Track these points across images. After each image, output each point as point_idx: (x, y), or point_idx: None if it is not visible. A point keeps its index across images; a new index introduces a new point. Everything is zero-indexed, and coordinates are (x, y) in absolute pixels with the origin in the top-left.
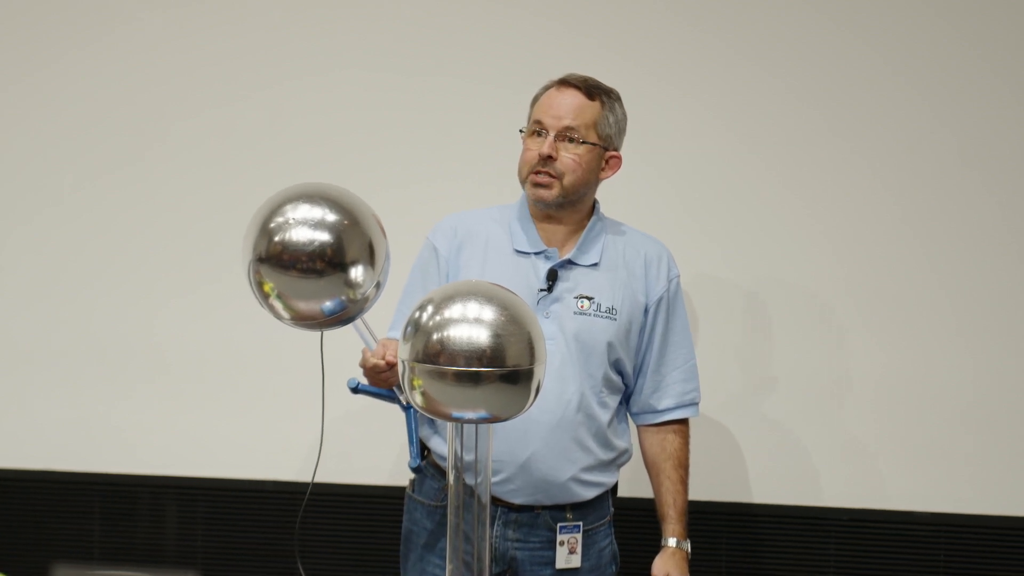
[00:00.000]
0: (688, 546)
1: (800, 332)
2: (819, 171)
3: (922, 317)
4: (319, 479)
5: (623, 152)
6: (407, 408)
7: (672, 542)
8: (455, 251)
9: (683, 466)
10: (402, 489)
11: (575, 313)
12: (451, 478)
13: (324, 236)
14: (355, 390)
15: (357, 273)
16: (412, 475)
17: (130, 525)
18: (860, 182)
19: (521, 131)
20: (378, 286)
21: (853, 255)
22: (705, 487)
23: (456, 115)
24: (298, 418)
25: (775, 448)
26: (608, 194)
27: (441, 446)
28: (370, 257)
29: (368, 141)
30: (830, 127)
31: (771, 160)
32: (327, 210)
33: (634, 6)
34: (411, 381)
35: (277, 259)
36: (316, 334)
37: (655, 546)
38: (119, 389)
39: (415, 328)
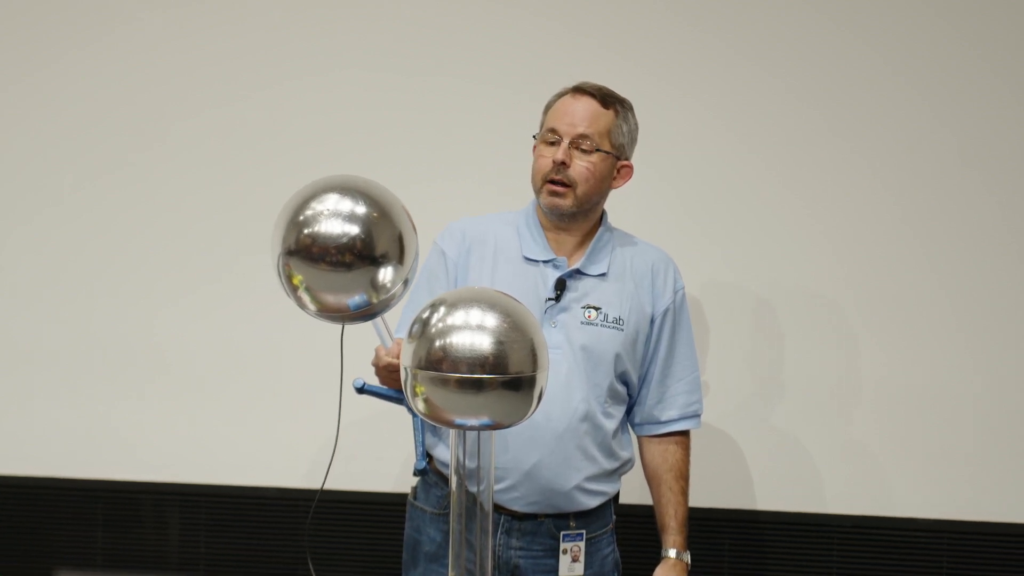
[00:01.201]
0: (688, 557)
1: (804, 336)
2: (821, 173)
3: (929, 322)
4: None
5: (632, 161)
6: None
7: (672, 553)
8: (464, 256)
9: (684, 477)
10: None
11: (582, 323)
12: (453, 485)
13: (354, 229)
14: (361, 390)
15: (386, 267)
16: (414, 482)
17: (133, 531)
18: (861, 183)
19: (534, 137)
20: (406, 283)
21: (856, 258)
22: (708, 493)
23: (456, 115)
24: (302, 424)
25: (778, 454)
26: (614, 199)
27: (445, 454)
28: (400, 251)
29: (368, 141)
30: (831, 128)
31: (772, 162)
32: (357, 202)
33: (634, 6)
34: (414, 388)
35: (306, 251)
36: (327, 335)
37: (656, 554)
38: (120, 394)
39: (418, 334)
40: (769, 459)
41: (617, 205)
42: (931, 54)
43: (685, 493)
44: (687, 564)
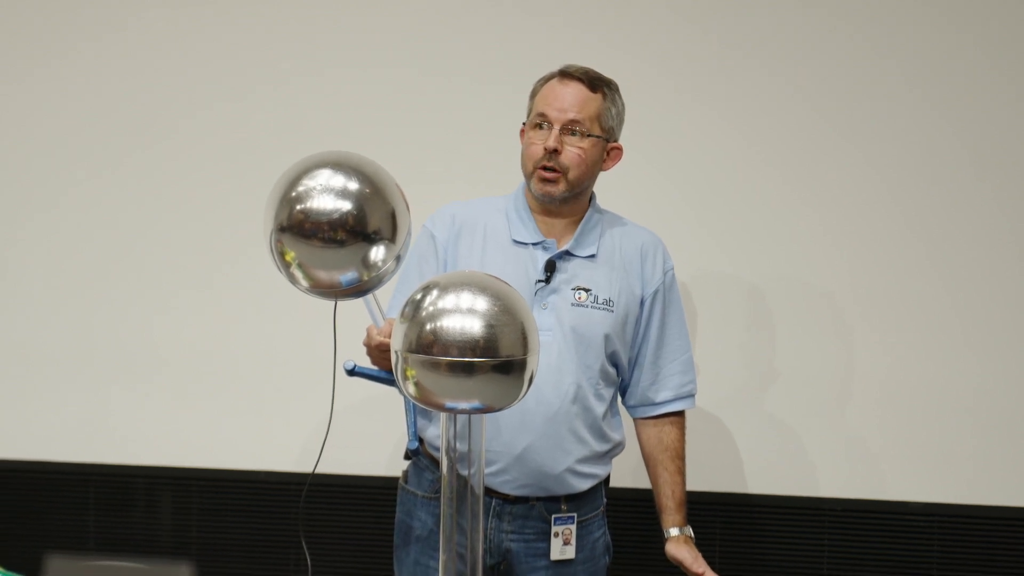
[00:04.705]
0: (691, 531)
1: (798, 324)
2: (822, 166)
3: (920, 309)
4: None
5: (620, 142)
6: None
7: (675, 531)
8: (453, 239)
9: (680, 457)
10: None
11: (572, 305)
12: (444, 469)
13: (347, 205)
14: (351, 372)
15: (379, 244)
16: (405, 466)
17: (125, 515)
18: (861, 177)
19: (523, 124)
20: (398, 260)
21: (854, 250)
22: (700, 477)
23: (454, 114)
24: (293, 408)
25: (771, 438)
26: (610, 189)
27: (436, 437)
28: (392, 228)
29: (369, 140)
30: (831, 122)
31: (772, 155)
32: (350, 178)
33: (633, 1)
34: (404, 371)
35: (299, 228)
36: (318, 320)
37: (648, 536)
38: (113, 379)
39: (408, 318)
40: (762, 443)
41: (614, 195)
42: (934, 52)
43: (682, 473)
44: (692, 537)
